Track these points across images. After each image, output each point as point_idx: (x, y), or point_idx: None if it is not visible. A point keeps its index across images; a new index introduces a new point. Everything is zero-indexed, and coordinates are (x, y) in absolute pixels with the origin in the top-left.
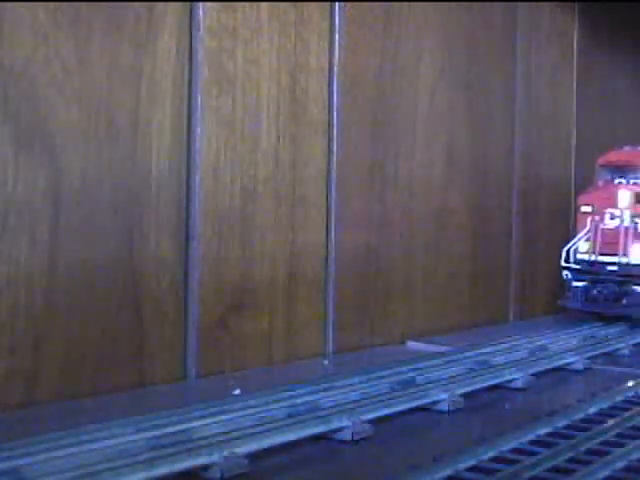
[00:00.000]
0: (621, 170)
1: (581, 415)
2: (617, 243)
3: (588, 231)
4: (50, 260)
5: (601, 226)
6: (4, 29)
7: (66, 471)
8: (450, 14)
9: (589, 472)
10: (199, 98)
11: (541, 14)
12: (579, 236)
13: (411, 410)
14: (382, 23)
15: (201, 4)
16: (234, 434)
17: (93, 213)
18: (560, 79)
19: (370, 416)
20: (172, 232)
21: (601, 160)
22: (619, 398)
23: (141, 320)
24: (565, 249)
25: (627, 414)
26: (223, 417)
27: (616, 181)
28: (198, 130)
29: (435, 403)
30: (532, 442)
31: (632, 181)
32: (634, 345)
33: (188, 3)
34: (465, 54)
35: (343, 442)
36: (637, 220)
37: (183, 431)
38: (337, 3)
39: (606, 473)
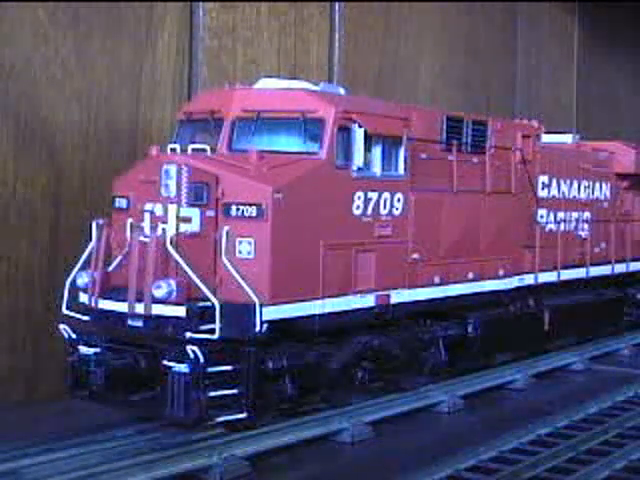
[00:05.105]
0: (203, 127)
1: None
2: (129, 275)
3: (92, 249)
4: (50, 260)
5: (123, 239)
6: (4, 29)
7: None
8: (450, 14)
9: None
10: None
11: (541, 14)
12: (83, 258)
13: None
14: (382, 23)
15: (201, 4)
16: None
17: (93, 213)
18: (560, 79)
19: None
20: None
21: (182, 111)
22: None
23: None
24: (68, 282)
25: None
26: None
27: (169, 148)
28: None
29: None
30: None
31: (192, 146)
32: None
33: (188, 3)
34: (465, 54)
35: None
36: (182, 225)
37: None
38: (337, 3)
39: (606, 473)
